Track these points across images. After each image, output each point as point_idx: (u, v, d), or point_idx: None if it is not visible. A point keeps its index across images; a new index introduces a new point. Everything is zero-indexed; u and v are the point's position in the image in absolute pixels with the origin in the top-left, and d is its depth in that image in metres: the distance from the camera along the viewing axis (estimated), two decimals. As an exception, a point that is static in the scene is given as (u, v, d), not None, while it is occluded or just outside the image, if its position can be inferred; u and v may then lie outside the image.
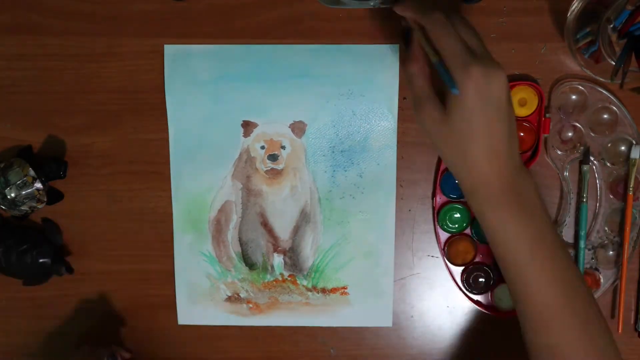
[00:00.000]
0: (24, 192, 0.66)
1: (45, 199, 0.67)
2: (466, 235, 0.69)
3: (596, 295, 0.69)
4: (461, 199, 0.68)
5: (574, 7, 0.62)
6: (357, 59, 0.67)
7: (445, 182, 0.68)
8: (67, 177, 0.68)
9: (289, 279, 0.71)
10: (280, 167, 0.69)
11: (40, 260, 0.68)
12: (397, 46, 0.67)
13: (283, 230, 0.70)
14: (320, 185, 0.69)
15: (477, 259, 0.69)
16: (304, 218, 0.70)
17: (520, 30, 0.66)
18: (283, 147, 0.68)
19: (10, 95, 0.69)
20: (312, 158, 0.69)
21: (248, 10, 0.67)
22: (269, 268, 0.71)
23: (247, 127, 0.68)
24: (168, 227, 0.70)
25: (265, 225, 0.70)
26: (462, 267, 0.69)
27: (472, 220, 0.69)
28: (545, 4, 0.66)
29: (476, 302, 0.70)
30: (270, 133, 0.68)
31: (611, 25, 0.58)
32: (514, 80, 0.66)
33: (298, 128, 0.68)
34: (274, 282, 0.71)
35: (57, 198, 0.69)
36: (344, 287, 0.71)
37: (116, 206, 0.70)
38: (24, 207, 0.67)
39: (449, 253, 0.69)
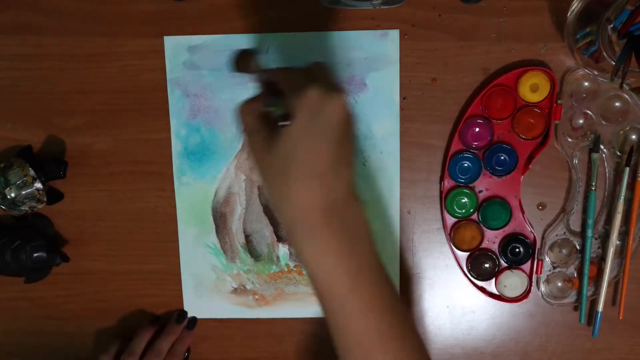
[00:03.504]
0: (23, 192, 0.66)
1: (45, 199, 0.67)
2: (473, 220, 0.69)
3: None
4: (469, 184, 0.68)
5: (574, 7, 0.62)
6: (357, 46, 0.67)
7: (453, 166, 0.68)
8: (67, 177, 0.68)
9: (294, 269, 0.71)
10: None
11: (35, 255, 0.68)
12: (397, 31, 0.66)
13: None
14: None
15: (483, 245, 0.69)
16: None
17: (520, 30, 0.66)
18: None
19: (10, 95, 0.69)
20: None
21: (248, 10, 0.67)
22: (275, 259, 0.71)
23: None
24: (169, 227, 0.70)
25: (270, 216, 0.70)
26: (467, 253, 0.69)
27: (480, 206, 0.68)
28: (545, 4, 0.66)
29: (480, 289, 0.70)
30: None
31: (611, 25, 0.58)
32: (528, 65, 0.66)
33: None
34: (280, 273, 0.71)
35: (57, 198, 0.69)
36: None
37: (116, 206, 0.70)
38: (24, 207, 0.67)
39: (455, 238, 0.69)
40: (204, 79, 0.68)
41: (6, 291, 0.72)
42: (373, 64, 0.67)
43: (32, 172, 0.66)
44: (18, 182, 0.65)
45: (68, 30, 0.68)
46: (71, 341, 0.72)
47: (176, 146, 0.69)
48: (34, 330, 0.72)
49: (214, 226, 0.70)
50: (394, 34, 0.67)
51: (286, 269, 0.71)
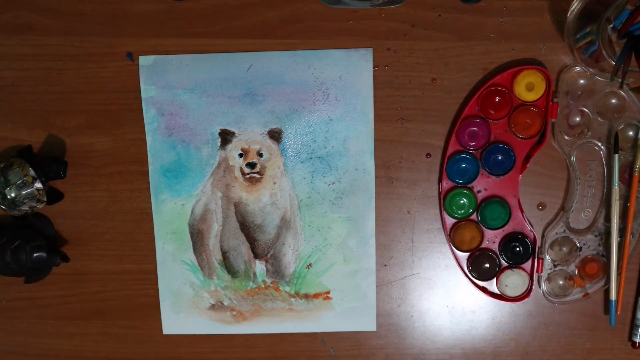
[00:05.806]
0: (24, 192, 0.66)
1: (45, 199, 0.67)
2: (472, 221, 0.69)
3: (602, 282, 0.69)
4: (467, 184, 0.68)
5: (574, 7, 0.62)
6: (331, 64, 0.67)
7: (451, 167, 0.68)
8: (67, 177, 0.68)
9: (271, 285, 0.71)
10: (258, 174, 0.69)
11: (35, 255, 0.68)
12: (370, 50, 0.67)
13: (264, 237, 0.70)
14: (299, 191, 0.69)
15: (483, 245, 0.69)
16: (285, 225, 0.70)
17: (520, 30, 0.67)
18: (261, 155, 0.69)
19: (10, 95, 0.69)
20: (291, 164, 0.69)
21: (248, 10, 0.67)
22: (251, 275, 0.71)
23: (225, 135, 0.68)
24: (168, 227, 0.71)
25: (246, 233, 0.70)
26: (467, 254, 0.69)
27: (479, 206, 0.69)
28: (545, 4, 0.66)
29: (481, 289, 0.70)
30: (248, 141, 0.68)
31: (611, 25, 0.58)
32: (523, 64, 0.66)
33: (275, 135, 0.68)
34: (257, 289, 0.71)
35: (57, 198, 0.69)
36: (326, 292, 0.71)
37: (116, 206, 0.70)
38: (24, 207, 0.67)
39: (455, 239, 0.69)
40: (178, 97, 0.68)
41: (6, 291, 0.72)
42: (347, 82, 0.67)
43: (32, 172, 0.66)
44: (18, 182, 0.65)
45: (68, 30, 0.68)
46: (71, 341, 0.72)
47: (152, 165, 0.69)
48: (34, 330, 0.72)
49: (191, 243, 0.70)
50: (368, 53, 0.67)
51: (263, 285, 0.71)
